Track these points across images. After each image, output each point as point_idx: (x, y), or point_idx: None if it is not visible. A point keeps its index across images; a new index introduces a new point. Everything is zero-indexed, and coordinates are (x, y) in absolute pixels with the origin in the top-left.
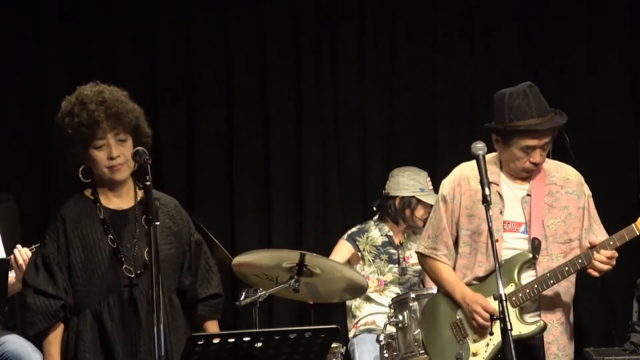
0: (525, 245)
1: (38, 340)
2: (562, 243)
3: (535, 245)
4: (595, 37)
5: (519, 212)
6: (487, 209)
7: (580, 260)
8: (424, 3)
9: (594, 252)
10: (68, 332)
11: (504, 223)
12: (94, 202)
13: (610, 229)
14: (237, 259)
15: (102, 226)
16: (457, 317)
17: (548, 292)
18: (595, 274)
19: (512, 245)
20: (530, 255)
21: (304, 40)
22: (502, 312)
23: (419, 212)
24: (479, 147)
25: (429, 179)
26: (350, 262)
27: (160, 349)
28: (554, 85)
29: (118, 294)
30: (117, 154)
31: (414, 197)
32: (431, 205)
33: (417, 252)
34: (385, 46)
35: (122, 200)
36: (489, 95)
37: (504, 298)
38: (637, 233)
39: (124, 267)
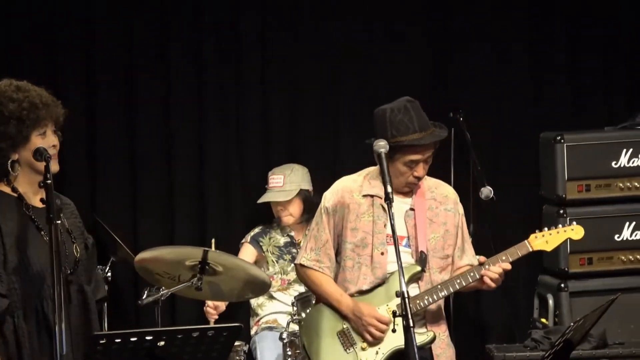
0: (408, 258)
1: None
2: (440, 258)
3: (423, 259)
4: (498, 31)
5: (401, 226)
6: (389, 207)
7: (472, 274)
8: None
9: (485, 267)
10: (4, 329)
11: (387, 236)
12: (18, 199)
13: (514, 226)
14: (140, 255)
15: (34, 224)
16: (344, 326)
17: (432, 305)
18: (492, 285)
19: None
20: (419, 268)
21: (207, 41)
22: (404, 309)
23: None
24: (381, 144)
25: (273, 176)
26: (257, 264)
27: (62, 347)
28: (456, 80)
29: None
30: (56, 143)
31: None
32: (277, 203)
33: (296, 264)
34: (289, 44)
35: (40, 197)
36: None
37: (406, 295)
38: (530, 249)
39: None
